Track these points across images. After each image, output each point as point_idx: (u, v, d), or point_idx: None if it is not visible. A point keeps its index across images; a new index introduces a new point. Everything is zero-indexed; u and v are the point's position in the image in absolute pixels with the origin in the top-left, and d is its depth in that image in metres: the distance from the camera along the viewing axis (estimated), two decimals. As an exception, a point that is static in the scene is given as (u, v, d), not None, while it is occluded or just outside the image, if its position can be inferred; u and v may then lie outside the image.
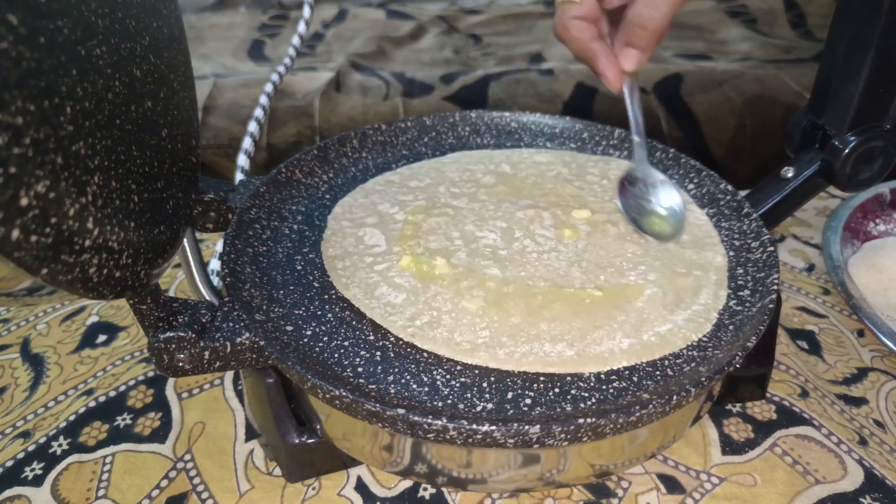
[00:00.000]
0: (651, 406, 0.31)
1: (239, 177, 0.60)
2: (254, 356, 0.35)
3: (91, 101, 0.27)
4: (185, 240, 0.41)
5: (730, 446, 0.41)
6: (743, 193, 0.44)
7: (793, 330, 0.50)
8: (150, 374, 0.46)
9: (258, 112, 0.69)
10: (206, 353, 0.34)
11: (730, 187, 0.45)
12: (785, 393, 0.44)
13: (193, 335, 0.34)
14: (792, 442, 0.42)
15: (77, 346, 0.49)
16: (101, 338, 0.49)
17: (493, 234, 0.42)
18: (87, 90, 0.27)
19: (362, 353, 0.35)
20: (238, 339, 0.34)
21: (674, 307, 0.37)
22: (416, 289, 0.38)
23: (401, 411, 0.30)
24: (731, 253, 0.42)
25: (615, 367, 0.34)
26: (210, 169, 0.81)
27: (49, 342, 0.49)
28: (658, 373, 0.34)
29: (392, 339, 0.36)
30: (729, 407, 0.44)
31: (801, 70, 0.90)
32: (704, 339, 0.36)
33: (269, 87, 0.74)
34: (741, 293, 0.39)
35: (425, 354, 0.35)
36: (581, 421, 0.30)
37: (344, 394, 0.31)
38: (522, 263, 0.40)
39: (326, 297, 0.39)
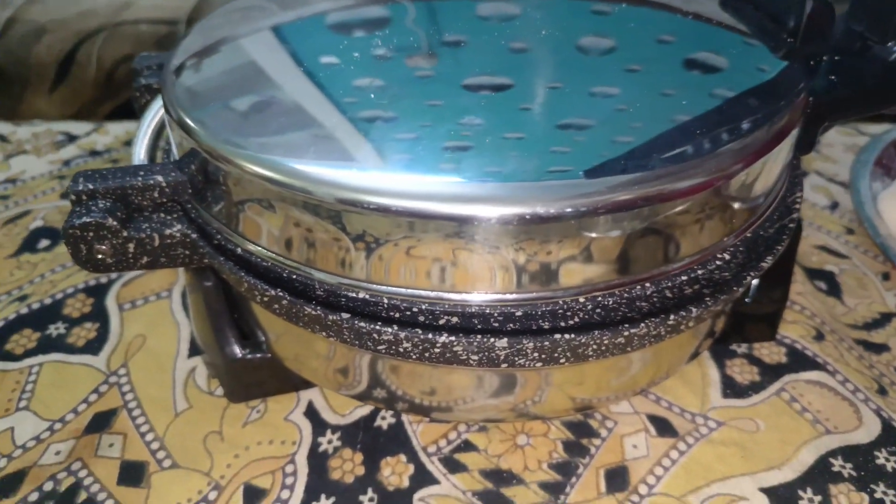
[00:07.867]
0: (642, 325, 0.26)
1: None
2: (186, 252, 0.30)
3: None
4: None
5: (732, 388, 0.37)
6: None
7: (811, 269, 0.45)
8: (92, 282, 0.41)
9: None
10: (131, 245, 0.29)
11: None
12: (798, 335, 0.40)
13: (116, 223, 0.29)
14: (802, 387, 0.37)
15: (16, 251, 0.44)
16: (44, 243, 0.45)
17: None
18: None
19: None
20: (168, 231, 0.30)
21: None
22: None
23: (346, 316, 0.26)
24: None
25: None
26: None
27: (-14, 246, 0.45)
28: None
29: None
30: (734, 347, 0.39)
31: None
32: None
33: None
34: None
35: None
36: (558, 336, 0.25)
37: (282, 294, 0.26)
38: None
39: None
